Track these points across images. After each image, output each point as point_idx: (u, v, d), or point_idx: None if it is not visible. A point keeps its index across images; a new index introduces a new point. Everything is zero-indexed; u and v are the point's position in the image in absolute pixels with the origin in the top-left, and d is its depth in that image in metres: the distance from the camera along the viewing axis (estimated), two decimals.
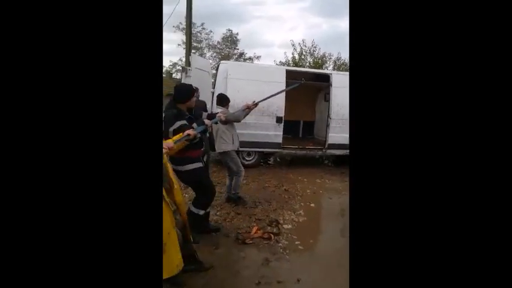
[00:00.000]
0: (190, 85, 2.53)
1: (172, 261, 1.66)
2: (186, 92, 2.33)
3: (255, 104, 3.18)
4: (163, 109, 2.33)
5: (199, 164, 2.42)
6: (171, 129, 2.17)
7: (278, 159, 6.07)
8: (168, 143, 1.75)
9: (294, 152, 5.65)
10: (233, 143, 3.28)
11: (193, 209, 2.49)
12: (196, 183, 2.50)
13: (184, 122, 2.20)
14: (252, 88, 4.68)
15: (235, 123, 3.38)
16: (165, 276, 1.56)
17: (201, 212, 2.52)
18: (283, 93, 4.81)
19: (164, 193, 1.64)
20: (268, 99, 3.62)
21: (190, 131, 2.03)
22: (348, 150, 5.40)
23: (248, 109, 3.18)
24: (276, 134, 5.16)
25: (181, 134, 2.05)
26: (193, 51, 9.20)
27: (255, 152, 5.27)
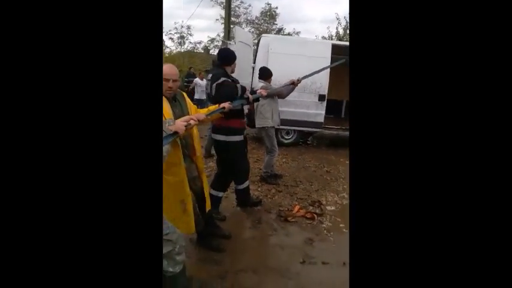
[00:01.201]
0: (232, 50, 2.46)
1: (191, 220, 1.70)
2: (231, 54, 2.30)
3: (299, 81, 3.00)
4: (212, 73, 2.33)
5: (240, 137, 2.31)
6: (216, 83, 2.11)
7: (315, 141, 5.84)
8: (199, 115, 1.67)
9: (335, 132, 5.36)
10: (272, 119, 3.14)
11: (212, 191, 2.31)
12: (228, 157, 2.32)
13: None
14: (294, 63, 4.43)
15: (278, 100, 3.23)
16: (185, 232, 1.66)
17: (220, 194, 2.38)
18: (328, 70, 4.50)
19: (182, 158, 1.64)
20: (312, 76, 3.39)
21: (225, 104, 1.94)
22: None
23: (293, 85, 3.00)
24: (317, 112, 4.90)
25: (216, 106, 1.98)
26: (231, 26, 8.99)
27: (295, 130, 5.10)
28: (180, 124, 1.47)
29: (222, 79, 2.12)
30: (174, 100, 1.69)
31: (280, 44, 4.83)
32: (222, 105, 1.96)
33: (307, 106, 4.86)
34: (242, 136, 2.33)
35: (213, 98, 2.16)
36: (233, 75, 2.35)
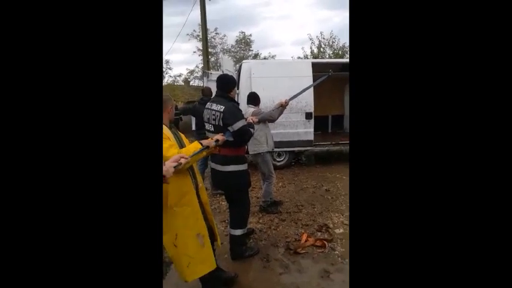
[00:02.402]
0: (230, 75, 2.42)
1: (211, 253, 1.61)
2: (232, 78, 2.27)
3: (287, 102, 2.94)
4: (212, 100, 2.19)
5: (246, 166, 2.20)
6: (236, 127, 1.96)
7: (304, 159, 5.75)
8: (183, 155, 1.38)
9: (326, 148, 5.31)
10: (267, 144, 3.02)
11: (232, 231, 2.22)
12: (241, 186, 2.20)
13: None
14: (277, 85, 4.42)
15: (269, 123, 3.15)
16: (209, 270, 1.57)
17: (238, 232, 2.22)
18: (311, 88, 4.53)
19: (192, 186, 1.59)
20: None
21: (219, 136, 1.81)
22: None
23: (282, 107, 2.94)
24: (306, 131, 4.86)
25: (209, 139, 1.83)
26: (209, 56, 9.13)
27: (286, 151, 5.00)
28: (168, 166, 1.26)
29: (244, 123, 2.02)
30: (170, 128, 1.61)
31: (262, 68, 4.86)
32: (216, 137, 1.82)
33: (296, 126, 4.82)
34: (247, 164, 2.24)
35: (227, 133, 1.99)
36: None
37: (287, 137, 4.77)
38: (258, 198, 3.45)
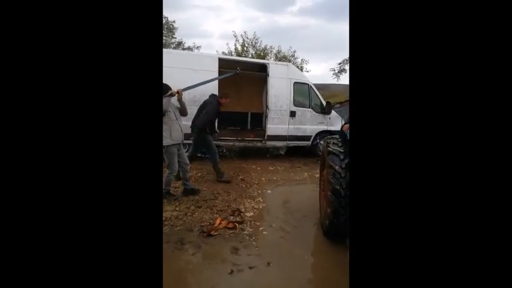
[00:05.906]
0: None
1: None
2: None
3: (180, 92, 3.14)
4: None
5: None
6: None
7: (226, 152, 6.04)
8: None
9: (231, 144, 5.48)
10: (171, 137, 3.06)
11: None
12: None
13: None
14: (181, 77, 4.33)
15: (180, 115, 3.25)
16: None
17: None
18: (216, 83, 4.68)
19: None
20: (201, 88, 3.36)
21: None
22: (287, 142, 5.68)
23: (171, 95, 3.08)
24: None
25: None
26: None
27: (189, 144, 5.02)
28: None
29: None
30: None
31: (166, 58, 4.75)
32: None
33: None
34: None
35: None
36: None
37: (188, 130, 4.80)
38: (176, 188, 3.50)
